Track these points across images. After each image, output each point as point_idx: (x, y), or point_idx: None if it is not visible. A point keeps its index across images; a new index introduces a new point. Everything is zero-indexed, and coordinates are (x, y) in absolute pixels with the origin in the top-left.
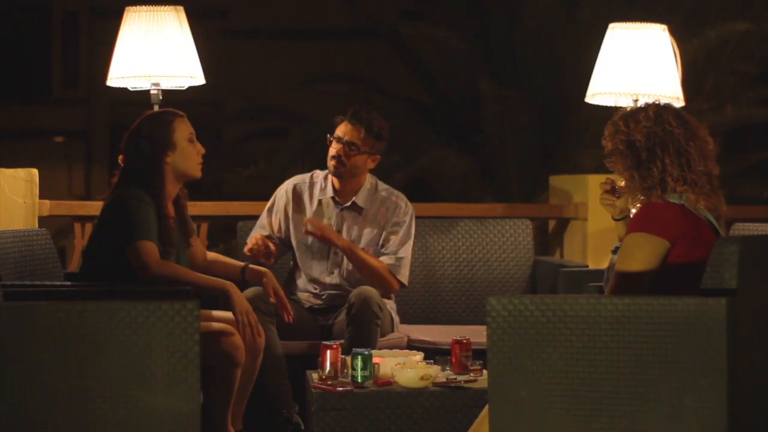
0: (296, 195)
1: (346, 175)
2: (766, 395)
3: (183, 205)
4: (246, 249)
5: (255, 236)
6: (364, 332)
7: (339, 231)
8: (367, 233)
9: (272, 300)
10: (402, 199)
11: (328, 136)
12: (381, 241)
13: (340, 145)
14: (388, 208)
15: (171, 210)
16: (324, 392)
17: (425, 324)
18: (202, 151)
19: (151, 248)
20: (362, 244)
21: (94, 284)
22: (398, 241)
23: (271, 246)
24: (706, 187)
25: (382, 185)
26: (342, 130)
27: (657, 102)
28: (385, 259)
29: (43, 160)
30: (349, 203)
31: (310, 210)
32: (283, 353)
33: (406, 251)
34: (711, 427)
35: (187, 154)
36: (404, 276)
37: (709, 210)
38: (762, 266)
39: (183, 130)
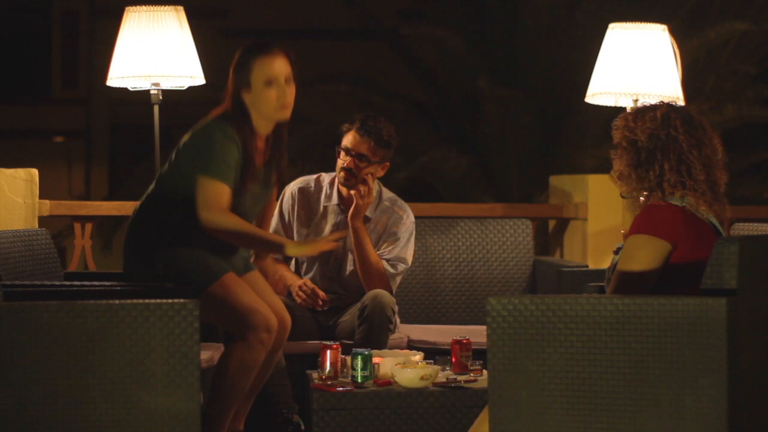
0: (302, 197)
1: (356, 186)
2: (766, 395)
3: (279, 139)
4: (299, 300)
5: (303, 286)
6: (375, 334)
7: (342, 238)
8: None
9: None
10: (404, 210)
11: (337, 147)
12: (377, 247)
13: (350, 158)
14: (389, 217)
15: (260, 145)
16: (324, 392)
17: (425, 324)
18: (284, 98)
19: (220, 190)
20: (351, 248)
21: (94, 284)
22: (397, 252)
23: (321, 293)
24: (707, 195)
25: (386, 193)
26: (350, 141)
27: (671, 103)
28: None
29: (43, 160)
30: None
31: (315, 214)
32: (283, 353)
33: (406, 262)
34: (711, 427)
35: (261, 98)
36: (395, 286)
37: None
38: (762, 266)
39: (260, 72)
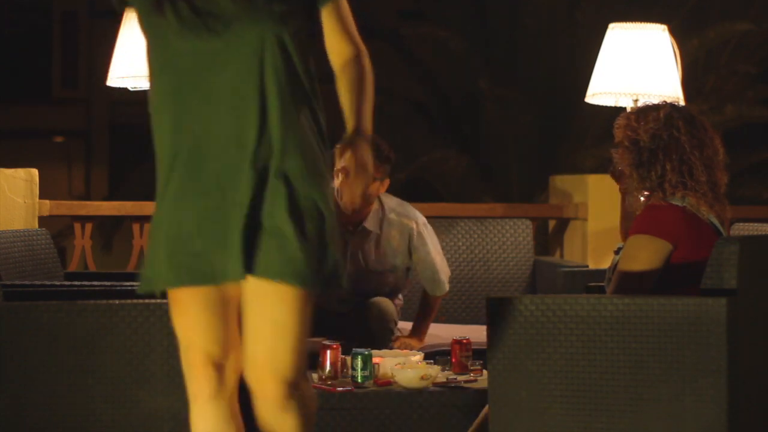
0: None
1: (361, 205)
2: (766, 395)
3: None
4: None
5: None
6: (376, 345)
7: (353, 256)
8: (378, 256)
9: None
10: (411, 218)
11: (335, 169)
12: (410, 266)
13: None
14: (401, 233)
15: None
16: (324, 392)
17: None
18: None
19: None
20: (373, 266)
21: (94, 284)
22: (427, 261)
23: None
24: (708, 195)
25: (388, 203)
26: (349, 160)
27: (673, 103)
28: (426, 285)
29: (43, 160)
30: (359, 229)
31: None
32: None
33: (438, 265)
34: (711, 427)
35: None
36: (445, 286)
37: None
38: (762, 266)
39: None
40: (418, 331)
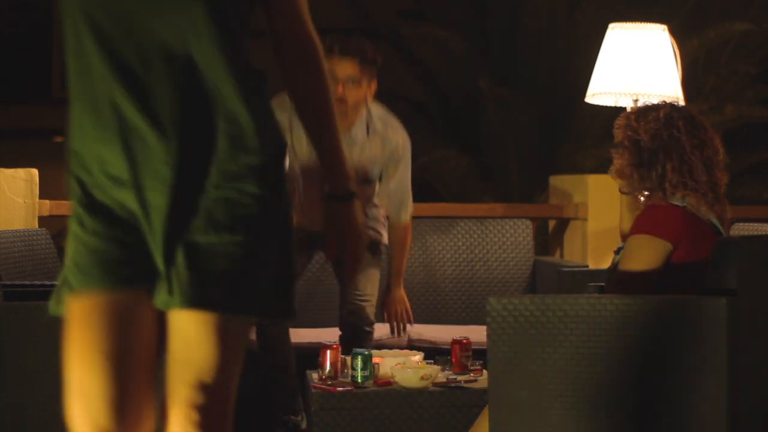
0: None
1: (348, 111)
2: (766, 395)
3: None
4: None
5: None
6: (357, 345)
7: None
8: (361, 164)
9: None
10: (396, 132)
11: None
12: (379, 172)
13: (338, 85)
14: (382, 144)
15: None
16: (324, 392)
17: (425, 324)
18: None
19: None
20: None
21: None
22: (403, 180)
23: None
24: (708, 196)
25: (375, 111)
26: (334, 68)
27: (673, 103)
28: (390, 207)
29: (43, 160)
30: (348, 136)
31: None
32: (294, 356)
33: (408, 188)
34: (711, 427)
35: None
36: (409, 214)
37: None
38: (762, 266)
39: None
40: (398, 274)
